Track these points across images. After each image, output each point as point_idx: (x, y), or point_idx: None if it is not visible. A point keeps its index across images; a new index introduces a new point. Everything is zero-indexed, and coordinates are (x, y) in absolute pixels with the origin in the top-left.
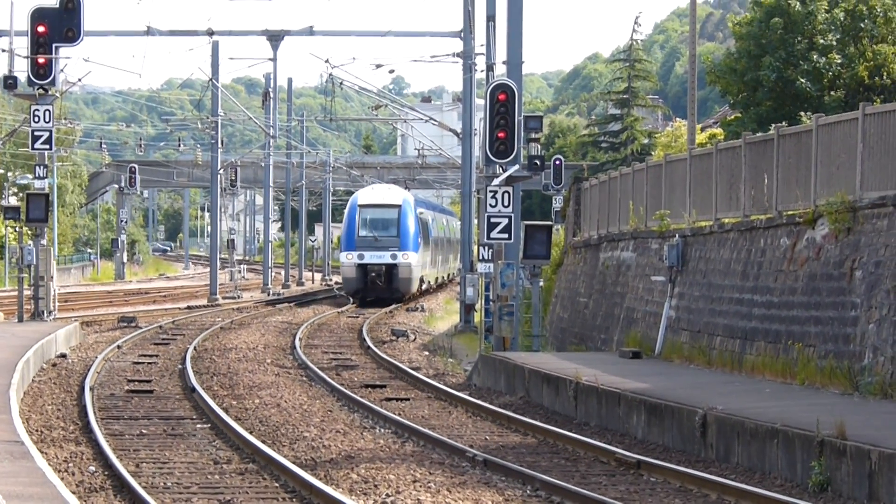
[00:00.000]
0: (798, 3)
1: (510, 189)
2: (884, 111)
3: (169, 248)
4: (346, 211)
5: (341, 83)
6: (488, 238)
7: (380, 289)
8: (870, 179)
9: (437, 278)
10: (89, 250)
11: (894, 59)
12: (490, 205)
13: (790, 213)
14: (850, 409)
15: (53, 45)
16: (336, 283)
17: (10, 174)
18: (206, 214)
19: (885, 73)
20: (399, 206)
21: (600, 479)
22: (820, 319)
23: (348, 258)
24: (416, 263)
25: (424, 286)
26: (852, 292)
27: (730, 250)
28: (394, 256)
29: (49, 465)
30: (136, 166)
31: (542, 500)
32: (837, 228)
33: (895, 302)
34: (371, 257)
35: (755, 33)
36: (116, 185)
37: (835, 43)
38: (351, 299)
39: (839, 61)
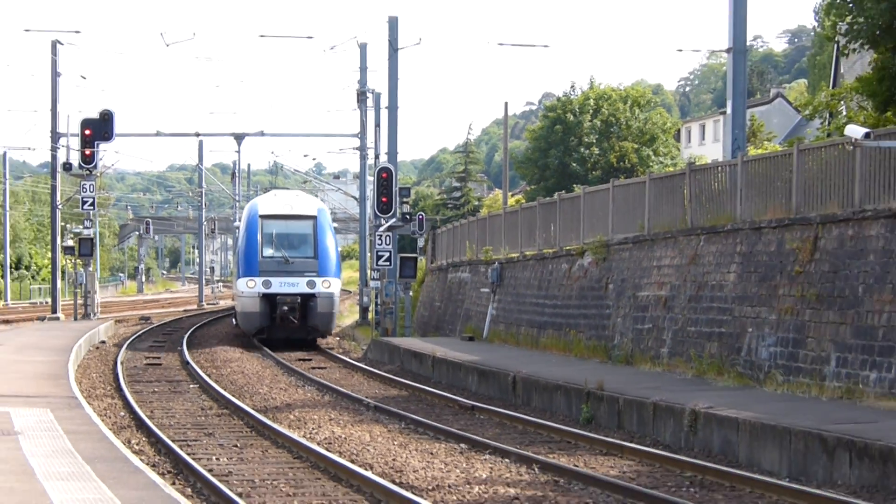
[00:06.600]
0: (572, 115)
1: (391, 234)
2: (625, 184)
3: (168, 273)
4: (242, 223)
5: (282, 166)
6: (377, 265)
7: (291, 327)
8: (617, 227)
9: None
10: (120, 274)
11: (632, 151)
12: (378, 244)
13: (568, 248)
14: (605, 371)
15: (95, 143)
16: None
17: (67, 225)
18: (196, 250)
19: (626, 161)
20: (314, 218)
21: (448, 417)
22: (587, 315)
23: (249, 286)
24: (338, 293)
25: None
26: (607, 298)
27: (530, 272)
28: (311, 284)
29: (94, 412)
30: (150, 220)
31: (412, 430)
32: (598, 258)
33: (633, 304)
34: (280, 285)
35: (544, 135)
36: (137, 233)
37: (595, 141)
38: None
39: (598, 152)
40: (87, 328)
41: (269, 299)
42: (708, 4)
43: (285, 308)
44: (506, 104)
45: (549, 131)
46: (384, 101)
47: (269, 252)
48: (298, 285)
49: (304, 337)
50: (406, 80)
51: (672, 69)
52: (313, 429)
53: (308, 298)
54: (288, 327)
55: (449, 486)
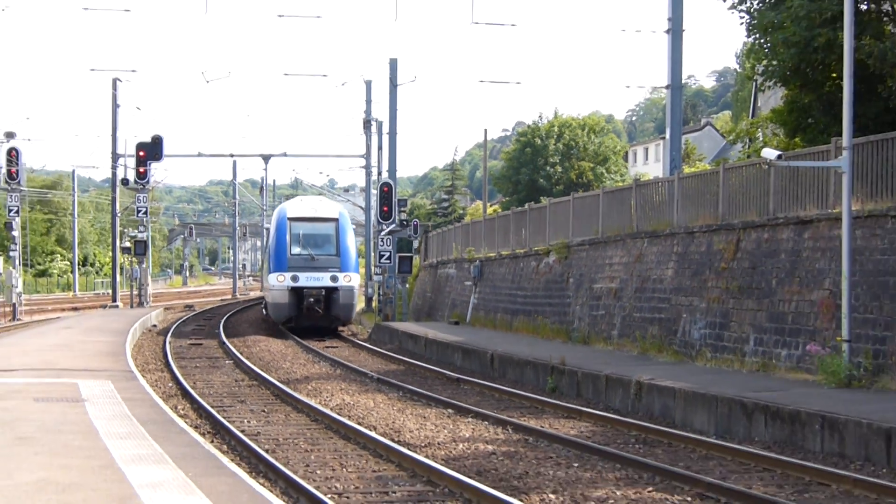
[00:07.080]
0: (539, 140)
1: (391, 237)
2: (583, 197)
3: (212, 269)
4: (272, 225)
5: (301, 181)
6: (379, 262)
7: (316, 316)
8: (576, 231)
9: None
10: (168, 270)
11: (589, 170)
12: (380, 245)
13: (536, 248)
14: (566, 350)
15: (148, 162)
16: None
17: (125, 230)
18: (230, 251)
19: (584, 177)
20: (336, 220)
21: (438, 387)
22: (552, 304)
23: (279, 280)
24: (358, 287)
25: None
26: (568, 290)
27: (505, 268)
28: (334, 279)
29: (147, 383)
30: (193, 226)
31: (408, 398)
32: (560, 256)
33: (589, 294)
34: (307, 280)
35: (517, 156)
36: (182, 236)
37: (558, 161)
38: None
39: (560, 170)
40: (140, 314)
41: (297, 292)
42: (650, 49)
43: (311, 300)
44: (485, 130)
45: (520, 153)
46: (385, 128)
47: (296, 250)
48: (323, 280)
49: (328, 325)
50: (404, 110)
51: (621, 102)
52: (327, 397)
53: (331, 291)
54: (313, 317)
55: (438, 444)
